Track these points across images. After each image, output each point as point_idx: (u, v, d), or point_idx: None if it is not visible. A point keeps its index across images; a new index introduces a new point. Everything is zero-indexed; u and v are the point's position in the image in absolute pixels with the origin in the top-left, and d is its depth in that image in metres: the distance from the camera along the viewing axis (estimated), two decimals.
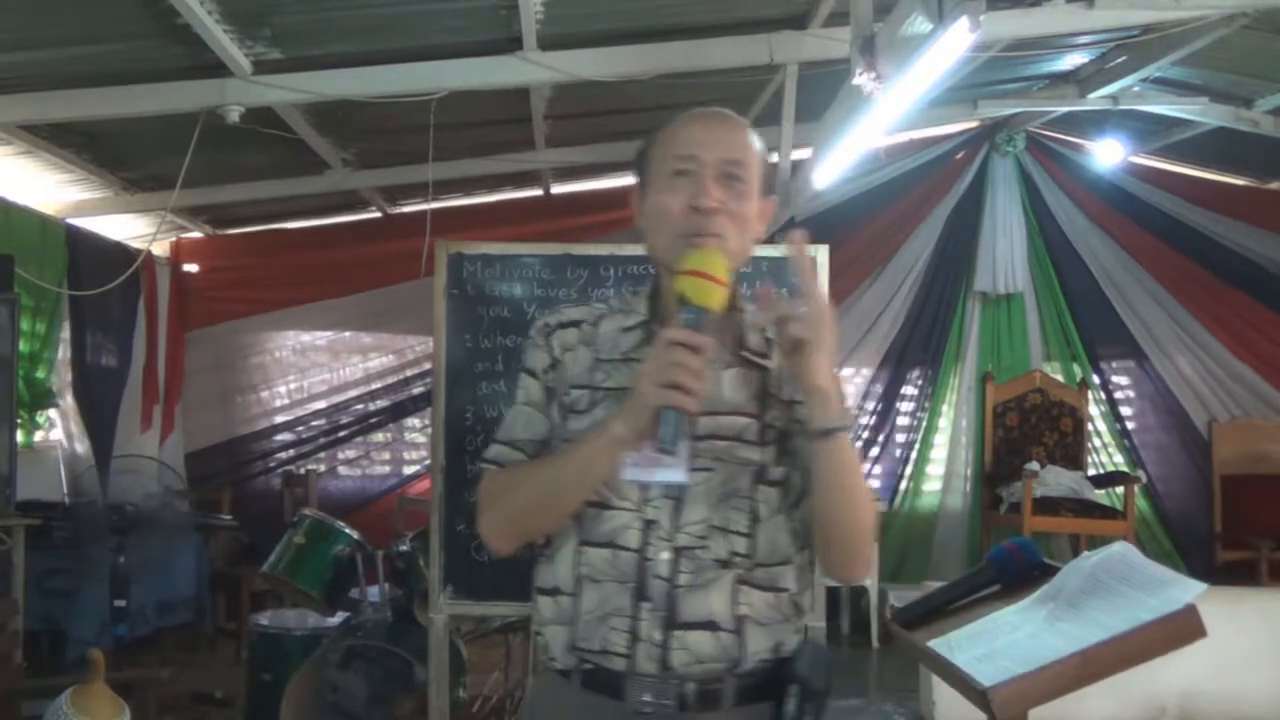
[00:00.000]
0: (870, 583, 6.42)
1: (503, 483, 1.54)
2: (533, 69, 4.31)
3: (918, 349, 7.14)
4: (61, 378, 5.69)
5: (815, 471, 1.45)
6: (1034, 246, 7.17)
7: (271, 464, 6.99)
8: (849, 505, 1.46)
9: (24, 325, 4.94)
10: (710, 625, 1.45)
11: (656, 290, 1.58)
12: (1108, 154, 6.89)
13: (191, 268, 6.90)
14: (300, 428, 7.05)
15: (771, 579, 1.49)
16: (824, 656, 1.51)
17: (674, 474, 1.46)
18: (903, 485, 7.14)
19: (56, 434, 5.76)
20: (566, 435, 1.53)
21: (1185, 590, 1.47)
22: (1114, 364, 7.26)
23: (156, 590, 5.11)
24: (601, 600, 1.47)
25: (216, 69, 4.04)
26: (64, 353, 5.67)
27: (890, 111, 3.58)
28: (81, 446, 5.76)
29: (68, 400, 5.74)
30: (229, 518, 5.69)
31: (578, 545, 1.50)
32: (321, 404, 7.07)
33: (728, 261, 1.46)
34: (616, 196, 5.50)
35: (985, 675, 1.47)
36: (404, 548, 3.93)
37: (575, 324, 1.59)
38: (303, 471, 6.76)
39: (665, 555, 1.46)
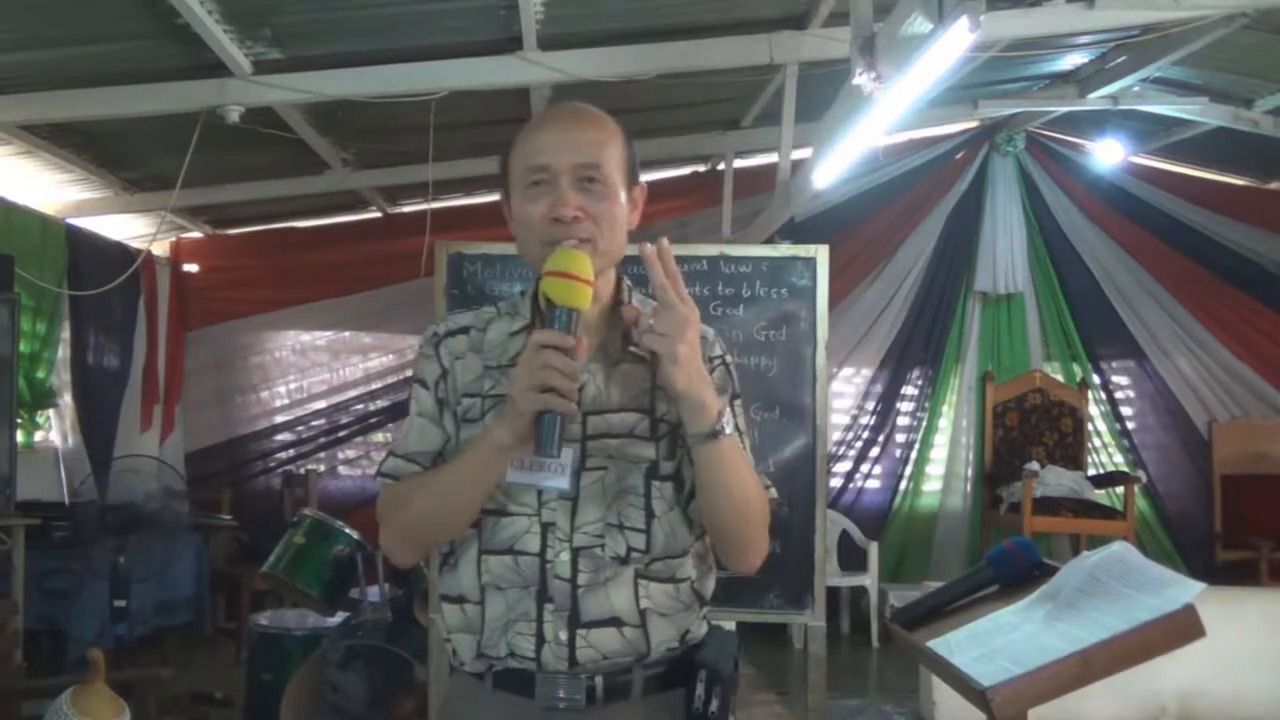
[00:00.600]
0: (870, 583, 6.43)
1: (398, 496, 1.53)
2: (533, 69, 4.31)
3: (918, 349, 7.14)
4: (61, 378, 5.68)
5: (697, 473, 1.45)
6: (1034, 246, 7.17)
7: (271, 464, 6.99)
8: (733, 505, 1.47)
9: (24, 325, 4.94)
10: (615, 622, 1.46)
11: (537, 293, 1.55)
12: (1108, 154, 6.89)
13: (191, 268, 6.89)
14: (300, 428, 7.04)
15: (670, 570, 1.51)
16: (731, 643, 1.53)
17: (557, 480, 1.46)
18: (903, 485, 7.14)
19: (56, 434, 5.76)
20: (461, 445, 1.52)
21: (1184, 590, 1.47)
22: (1114, 364, 7.26)
23: (156, 590, 5.12)
24: (507, 608, 1.48)
25: (216, 69, 4.03)
26: (64, 353, 5.67)
27: (890, 111, 3.58)
28: (81, 446, 5.76)
29: (68, 400, 5.73)
30: (229, 518, 5.69)
31: (479, 554, 1.50)
32: (321, 404, 7.06)
33: (597, 261, 1.45)
34: None
35: (985, 675, 1.47)
36: None
37: (464, 330, 1.59)
38: (303, 471, 6.76)
39: (565, 556, 1.47)
